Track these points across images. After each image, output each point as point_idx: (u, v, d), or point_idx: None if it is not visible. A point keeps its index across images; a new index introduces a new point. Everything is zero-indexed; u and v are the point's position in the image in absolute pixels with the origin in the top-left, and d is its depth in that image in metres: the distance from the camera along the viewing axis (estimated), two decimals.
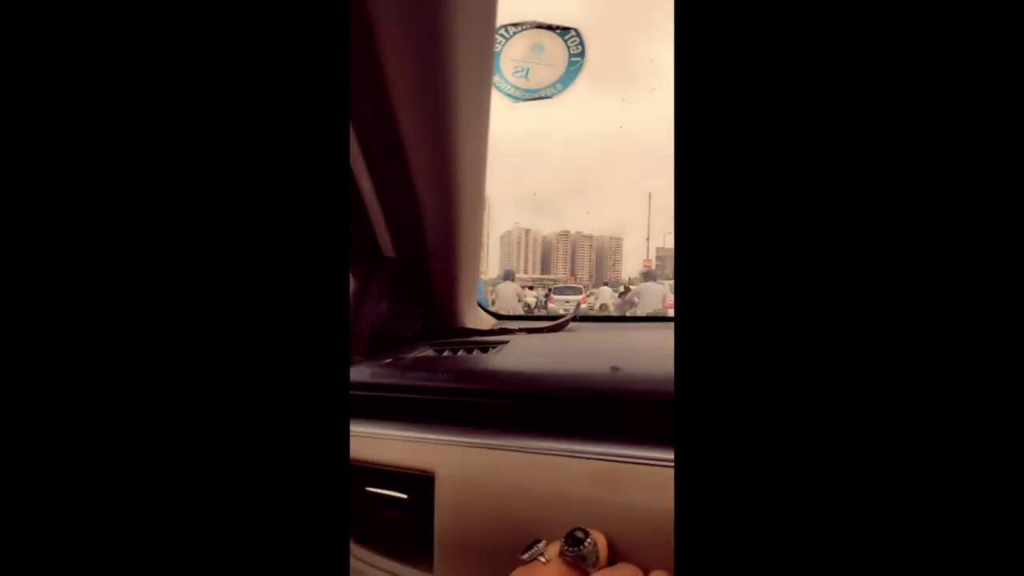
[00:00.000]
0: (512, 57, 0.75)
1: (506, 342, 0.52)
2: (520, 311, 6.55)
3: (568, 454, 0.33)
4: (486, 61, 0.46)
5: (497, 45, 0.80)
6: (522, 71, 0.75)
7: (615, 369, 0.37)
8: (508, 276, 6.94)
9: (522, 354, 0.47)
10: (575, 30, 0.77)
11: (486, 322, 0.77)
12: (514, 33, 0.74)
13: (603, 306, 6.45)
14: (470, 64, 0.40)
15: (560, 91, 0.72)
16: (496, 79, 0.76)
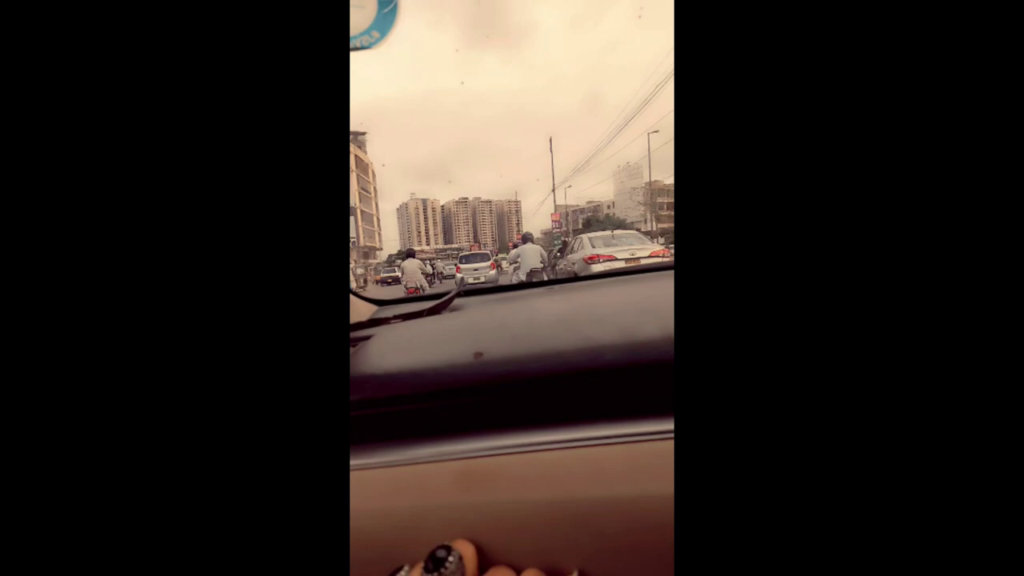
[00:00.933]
0: None
1: (368, 337, 0.46)
2: (426, 285, 6.43)
3: (428, 460, 0.30)
4: None
5: None
6: None
7: (478, 355, 0.34)
8: (410, 253, 6.92)
9: (383, 350, 0.42)
10: None
11: (360, 312, 0.69)
12: None
13: (515, 269, 6.58)
14: None
15: (378, 40, 0.61)
16: None
